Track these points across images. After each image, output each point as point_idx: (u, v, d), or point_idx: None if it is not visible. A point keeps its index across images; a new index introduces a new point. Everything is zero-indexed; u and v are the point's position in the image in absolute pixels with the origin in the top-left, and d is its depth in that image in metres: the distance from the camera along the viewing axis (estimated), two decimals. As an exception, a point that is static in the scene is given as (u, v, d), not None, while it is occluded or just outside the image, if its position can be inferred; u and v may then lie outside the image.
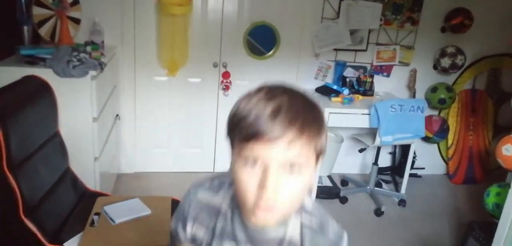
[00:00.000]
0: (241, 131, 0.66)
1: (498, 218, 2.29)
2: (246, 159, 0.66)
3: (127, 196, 1.88)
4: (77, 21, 2.72)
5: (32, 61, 2.18)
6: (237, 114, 0.68)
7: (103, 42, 2.76)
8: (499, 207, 2.40)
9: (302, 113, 0.66)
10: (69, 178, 1.94)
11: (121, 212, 1.74)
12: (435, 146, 3.74)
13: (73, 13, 2.68)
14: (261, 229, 0.76)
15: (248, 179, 0.67)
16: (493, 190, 2.55)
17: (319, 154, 0.71)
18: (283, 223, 0.76)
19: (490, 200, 2.54)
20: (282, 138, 0.63)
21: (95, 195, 1.92)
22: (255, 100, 0.67)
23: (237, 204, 0.78)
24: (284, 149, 0.64)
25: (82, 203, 1.93)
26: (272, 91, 0.68)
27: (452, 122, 3.63)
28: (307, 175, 0.69)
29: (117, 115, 2.97)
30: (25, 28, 2.43)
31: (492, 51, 3.53)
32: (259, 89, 0.70)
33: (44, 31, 2.56)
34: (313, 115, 0.69)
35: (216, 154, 3.41)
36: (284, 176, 0.65)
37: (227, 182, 0.84)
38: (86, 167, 2.21)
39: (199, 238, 0.85)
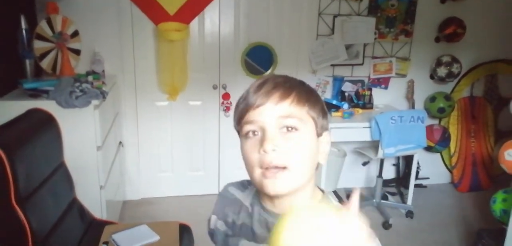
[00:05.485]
0: (237, 112, 0.75)
1: (507, 224, 2.29)
2: (247, 132, 0.72)
3: (134, 223, 1.87)
4: (77, 52, 2.76)
5: (35, 94, 2.20)
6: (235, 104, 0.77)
7: (103, 71, 2.79)
8: (506, 213, 2.39)
9: (288, 81, 0.74)
10: (76, 208, 1.93)
11: (129, 239, 1.72)
12: (438, 155, 3.75)
13: (73, 45, 2.72)
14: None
15: (251, 148, 0.72)
16: (499, 196, 2.55)
17: (318, 124, 0.74)
18: None
19: (497, 206, 2.54)
20: (270, 99, 0.70)
21: (102, 224, 1.91)
22: (248, 87, 0.76)
23: (258, 199, 0.80)
24: (273, 108, 0.70)
25: (90, 233, 1.92)
26: (265, 75, 0.78)
27: (453, 130, 3.65)
28: (307, 139, 0.72)
29: (120, 142, 2.98)
30: (27, 61, 2.47)
31: (487, 58, 3.58)
32: None
33: (45, 63, 2.59)
34: (302, 84, 0.75)
35: (220, 175, 3.40)
36: (281, 136, 0.70)
37: None
38: (92, 196, 2.21)
39: (220, 232, 0.87)
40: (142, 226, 1.85)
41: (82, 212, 1.99)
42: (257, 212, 0.79)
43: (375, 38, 3.31)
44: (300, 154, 0.70)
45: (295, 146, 0.70)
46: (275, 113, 0.70)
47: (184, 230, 1.90)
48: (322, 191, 0.81)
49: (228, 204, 0.87)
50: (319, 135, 0.74)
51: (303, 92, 0.73)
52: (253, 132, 0.71)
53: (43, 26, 2.55)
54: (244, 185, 0.87)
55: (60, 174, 1.89)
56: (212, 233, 0.90)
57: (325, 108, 0.78)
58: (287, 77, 0.76)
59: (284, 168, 0.69)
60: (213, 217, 0.90)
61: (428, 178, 3.70)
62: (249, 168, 0.73)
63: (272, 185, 0.70)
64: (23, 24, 2.40)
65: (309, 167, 0.73)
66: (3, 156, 1.44)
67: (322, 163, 0.77)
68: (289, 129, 0.70)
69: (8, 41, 2.36)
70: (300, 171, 0.71)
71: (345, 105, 3.15)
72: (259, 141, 0.70)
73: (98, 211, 2.21)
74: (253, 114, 0.71)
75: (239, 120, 0.74)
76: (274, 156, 0.68)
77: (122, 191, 3.11)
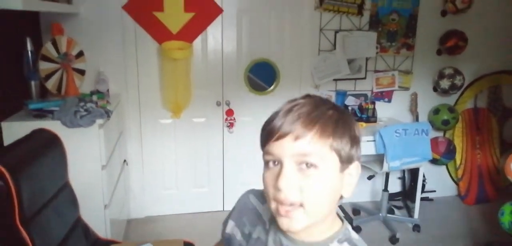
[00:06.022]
0: (262, 135, 0.72)
1: (516, 236, 2.25)
2: (267, 161, 0.70)
3: (139, 242, 1.85)
4: (82, 72, 2.79)
5: (41, 114, 2.22)
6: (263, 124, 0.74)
7: (108, 90, 2.82)
8: (515, 224, 2.36)
9: (316, 108, 0.69)
10: (80, 228, 1.92)
11: (134, 258, 1.71)
12: (444, 167, 3.72)
13: (78, 65, 2.75)
14: (296, 245, 0.74)
15: (269, 180, 0.70)
16: (507, 208, 2.51)
17: (344, 157, 0.69)
18: (322, 244, 0.73)
19: (505, 218, 2.50)
20: (291, 133, 0.66)
21: (107, 243, 1.90)
22: (278, 108, 0.72)
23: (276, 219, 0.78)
24: (292, 144, 0.66)
25: (94, 253, 1.91)
26: (295, 99, 0.72)
27: (458, 142, 3.62)
28: (326, 177, 0.68)
29: (125, 160, 2.98)
30: (33, 83, 2.49)
31: (490, 69, 3.58)
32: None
33: (50, 84, 2.62)
34: (330, 115, 0.69)
35: (224, 192, 3.38)
36: (298, 173, 0.67)
37: None
38: (97, 215, 2.20)
39: (236, 240, 0.86)
40: (146, 245, 1.83)
41: (87, 231, 1.98)
42: (273, 231, 0.78)
43: (377, 52, 3.32)
44: (317, 193, 0.68)
45: (313, 184, 0.67)
46: (293, 150, 0.66)
47: (189, 249, 1.88)
48: (342, 220, 0.78)
49: (247, 212, 0.87)
50: (344, 168, 0.70)
51: (330, 123, 0.68)
52: (273, 162, 0.69)
53: (48, 48, 2.58)
54: (264, 198, 0.86)
55: (65, 193, 1.89)
56: (228, 238, 0.89)
57: (356, 136, 0.72)
58: (317, 103, 0.71)
59: (299, 205, 0.67)
60: (231, 222, 0.89)
61: (435, 191, 3.67)
62: (266, 197, 0.72)
63: (285, 223, 0.68)
64: (29, 46, 2.43)
65: (326, 205, 0.70)
66: (8, 176, 1.45)
67: (346, 196, 0.73)
68: (309, 165, 0.67)
69: (13, 63, 2.39)
70: (315, 210, 0.68)
71: (349, 120, 3.15)
72: (276, 174, 0.68)
73: (102, 230, 2.20)
74: (272, 147, 0.69)
75: (262, 146, 0.72)
76: (288, 194, 0.66)
77: (126, 210, 3.10)
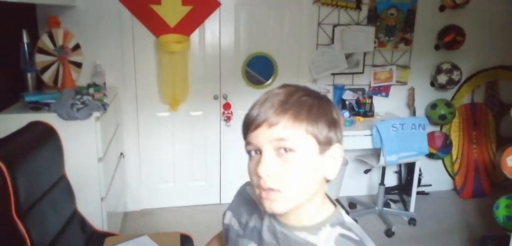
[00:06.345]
0: (242, 127, 0.75)
1: (510, 230, 2.27)
2: (249, 151, 0.73)
3: (135, 235, 1.86)
4: (78, 65, 2.78)
5: (37, 107, 2.21)
6: None
7: (105, 83, 2.81)
8: (510, 219, 2.38)
9: (289, 97, 0.71)
10: (77, 220, 1.93)
11: (130, 251, 1.72)
12: (440, 161, 3.73)
13: (75, 58, 2.74)
14: (288, 230, 0.76)
15: (252, 169, 0.73)
16: (502, 202, 2.53)
17: (322, 140, 0.71)
18: (313, 229, 0.75)
19: (500, 212, 2.52)
20: (266, 122, 0.70)
21: (103, 236, 1.91)
22: (256, 100, 0.75)
23: None
24: (267, 131, 0.70)
25: (91, 245, 1.92)
26: (272, 90, 0.75)
27: (454, 137, 3.64)
28: (304, 160, 0.70)
29: (122, 153, 2.99)
30: (29, 75, 2.48)
31: (487, 65, 3.59)
32: None
33: (47, 77, 2.61)
34: (304, 101, 0.71)
35: (221, 185, 3.40)
36: (278, 157, 0.70)
37: None
38: (93, 207, 2.21)
39: (233, 230, 0.89)
40: (143, 237, 1.84)
41: (83, 224, 1.99)
42: (268, 219, 0.81)
43: (375, 47, 3.32)
44: (294, 177, 0.70)
45: (290, 169, 0.70)
46: (270, 136, 0.70)
47: (186, 241, 1.89)
48: (335, 204, 0.80)
49: (244, 203, 0.90)
50: (323, 151, 0.72)
51: (303, 108, 0.70)
52: (254, 151, 0.73)
53: (44, 40, 2.57)
54: None
55: (61, 186, 1.89)
56: (226, 228, 0.93)
57: (335, 120, 0.74)
58: (292, 91, 0.73)
59: (278, 190, 0.70)
60: (229, 213, 0.93)
61: (431, 185, 3.69)
62: (252, 186, 0.75)
63: (267, 206, 0.72)
64: (25, 39, 2.42)
65: (306, 188, 0.72)
66: (4, 168, 1.45)
67: (331, 179, 0.75)
68: (287, 149, 0.69)
69: (10, 56, 2.38)
70: (294, 194, 0.71)
71: (346, 114, 3.16)
72: (257, 162, 0.71)
73: (99, 223, 2.21)
74: (251, 137, 0.72)
75: (244, 137, 0.75)
76: (268, 180, 0.70)
77: (123, 202, 3.11)
